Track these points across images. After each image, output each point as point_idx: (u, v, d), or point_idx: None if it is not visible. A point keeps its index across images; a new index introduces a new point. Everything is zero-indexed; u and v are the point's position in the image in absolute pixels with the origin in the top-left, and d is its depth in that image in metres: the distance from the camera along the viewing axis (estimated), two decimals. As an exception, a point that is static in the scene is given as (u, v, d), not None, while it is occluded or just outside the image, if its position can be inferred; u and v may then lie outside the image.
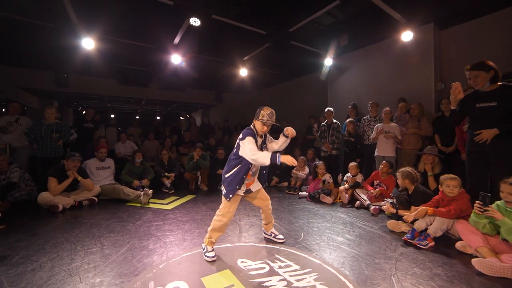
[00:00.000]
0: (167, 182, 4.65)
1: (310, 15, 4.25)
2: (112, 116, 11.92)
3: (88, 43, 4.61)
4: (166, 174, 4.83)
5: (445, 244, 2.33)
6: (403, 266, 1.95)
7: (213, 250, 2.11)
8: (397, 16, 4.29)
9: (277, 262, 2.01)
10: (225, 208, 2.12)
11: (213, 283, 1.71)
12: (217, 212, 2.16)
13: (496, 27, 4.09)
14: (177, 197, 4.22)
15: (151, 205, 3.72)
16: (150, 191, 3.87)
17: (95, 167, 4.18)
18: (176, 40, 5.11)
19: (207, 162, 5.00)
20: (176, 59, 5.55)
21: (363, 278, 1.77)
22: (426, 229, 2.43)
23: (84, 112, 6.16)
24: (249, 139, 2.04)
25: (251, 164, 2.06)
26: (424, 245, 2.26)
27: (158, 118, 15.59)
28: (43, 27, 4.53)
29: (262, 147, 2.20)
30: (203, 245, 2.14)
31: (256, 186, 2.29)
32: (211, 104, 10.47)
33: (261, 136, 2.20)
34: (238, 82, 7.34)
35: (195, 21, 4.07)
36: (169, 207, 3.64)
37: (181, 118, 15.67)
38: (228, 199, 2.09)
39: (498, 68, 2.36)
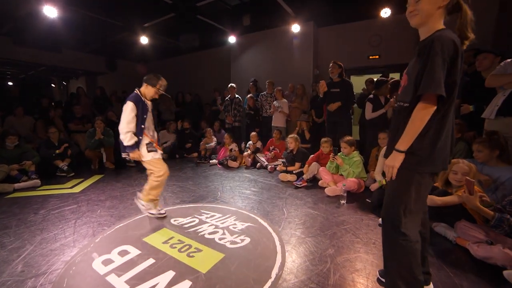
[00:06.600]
0: (63, 165, 4.09)
1: (216, -7, 4.46)
2: None
3: None
4: (58, 151, 4.17)
5: (314, 184, 3.55)
6: (289, 201, 2.94)
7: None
8: (289, 10, 5.17)
9: (203, 215, 2.54)
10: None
11: (155, 240, 2.06)
12: (152, 176, 2.33)
13: (357, 32, 5.71)
14: (82, 179, 3.86)
15: (51, 192, 3.31)
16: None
17: None
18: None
19: (112, 138, 4.62)
20: (51, 11, 4.42)
21: (266, 213, 2.60)
22: (302, 173, 3.60)
23: None
24: (132, 107, 2.07)
25: (143, 123, 2.21)
26: (299, 184, 3.41)
27: (10, 83, 11.48)
28: None
29: (152, 113, 2.36)
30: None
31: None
32: (100, 72, 8.85)
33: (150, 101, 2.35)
34: (137, 49, 6.65)
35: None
36: (77, 190, 3.37)
37: (52, 85, 12.34)
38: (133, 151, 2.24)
39: (344, 67, 3.84)
